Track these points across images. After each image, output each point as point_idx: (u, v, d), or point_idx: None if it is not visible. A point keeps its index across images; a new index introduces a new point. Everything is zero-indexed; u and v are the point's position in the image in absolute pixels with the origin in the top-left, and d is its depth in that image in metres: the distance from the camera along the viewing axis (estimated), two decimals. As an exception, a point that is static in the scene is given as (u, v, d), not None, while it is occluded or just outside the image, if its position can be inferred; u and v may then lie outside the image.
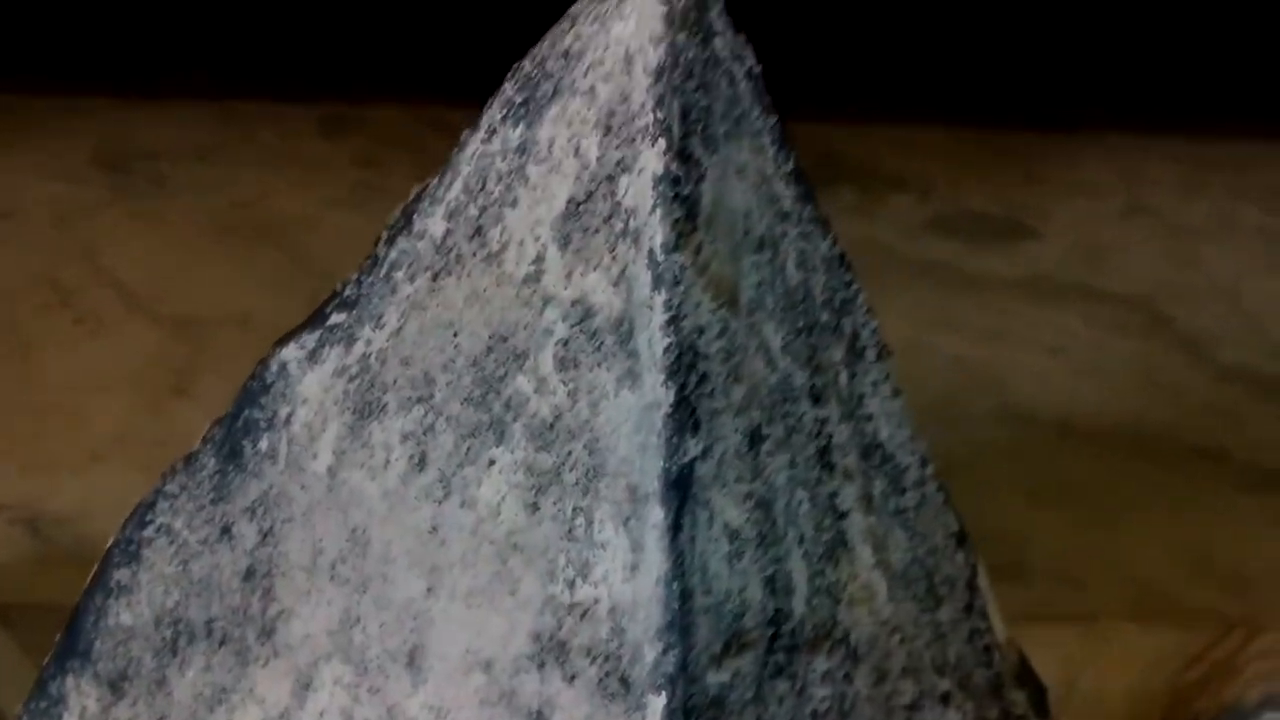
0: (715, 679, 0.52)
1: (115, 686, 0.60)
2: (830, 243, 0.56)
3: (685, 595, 0.51)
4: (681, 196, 0.51)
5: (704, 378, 0.51)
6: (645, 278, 0.51)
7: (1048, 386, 1.02)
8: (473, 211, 0.54)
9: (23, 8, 1.31)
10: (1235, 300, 1.13)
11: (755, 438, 0.53)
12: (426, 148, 1.20)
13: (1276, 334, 1.09)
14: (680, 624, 0.51)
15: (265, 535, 0.57)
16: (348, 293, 0.57)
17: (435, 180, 0.55)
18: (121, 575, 0.60)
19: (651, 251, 0.51)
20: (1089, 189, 1.24)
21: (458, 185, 0.54)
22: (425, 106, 1.25)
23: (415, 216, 0.55)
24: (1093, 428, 0.99)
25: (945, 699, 0.59)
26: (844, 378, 0.56)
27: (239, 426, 0.58)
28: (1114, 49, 1.38)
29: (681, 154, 0.51)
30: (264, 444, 0.57)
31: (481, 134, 0.54)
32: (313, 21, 1.33)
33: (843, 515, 0.56)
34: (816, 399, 0.55)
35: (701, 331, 0.51)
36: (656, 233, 0.51)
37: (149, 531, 0.60)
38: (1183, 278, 1.15)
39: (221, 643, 0.58)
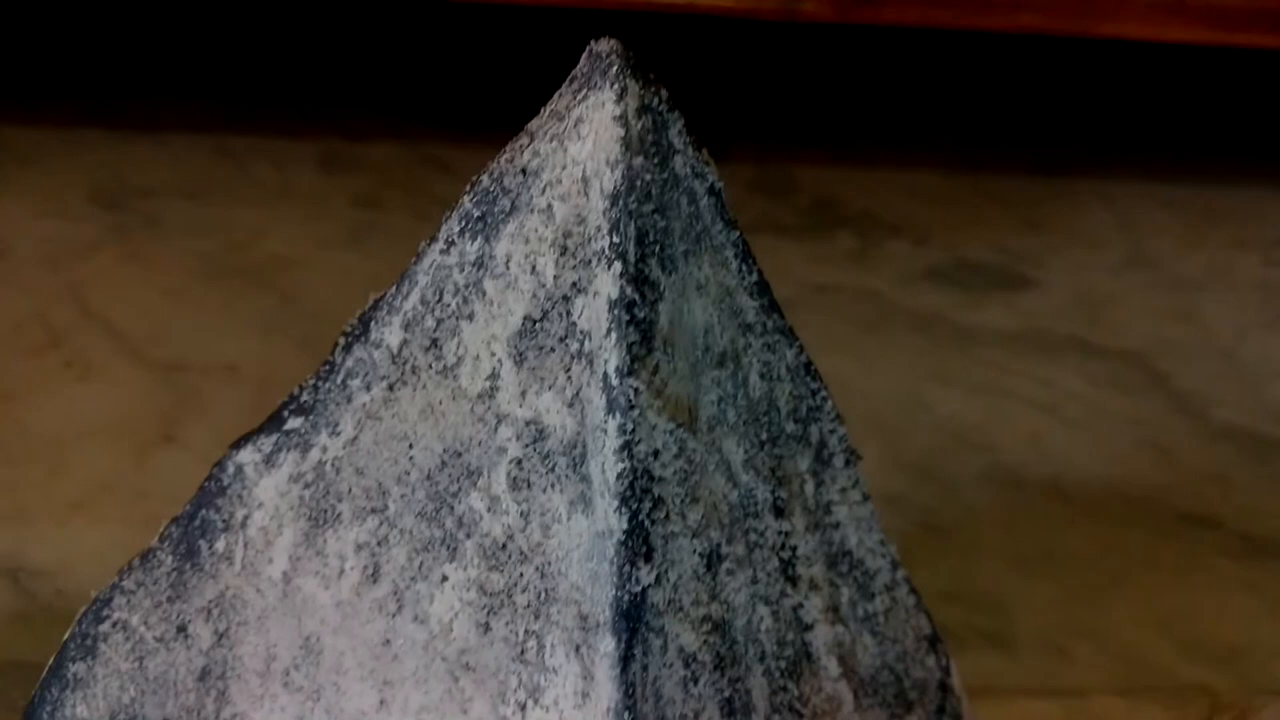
0: (668, 807, 0.51)
1: (71, 781, 0.60)
2: (796, 351, 0.55)
3: (636, 725, 0.50)
4: (637, 320, 0.50)
5: (659, 502, 0.50)
6: (599, 401, 0.50)
7: (1039, 446, 1.01)
8: (429, 323, 0.53)
9: (15, 40, 1.30)
10: (1232, 357, 1.11)
11: (713, 558, 0.52)
12: (426, 187, 1.19)
13: (1271, 393, 1.08)
14: (631, 754, 0.50)
15: (220, 637, 0.57)
16: (304, 398, 0.56)
17: (393, 289, 0.54)
18: (78, 669, 0.60)
19: (606, 375, 0.50)
20: (1088, 237, 1.23)
21: (415, 296, 0.54)
22: (426, 143, 1.24)
23: (372, 325, 0.55)
24: (1083, 491, 0.98)
25: (913, 808, 0.58)
26: (810, 487, 0.56)
27: (196, 526, 0.57)
28: (1114, 96, 1.37)
29: (637, 278, 0.50)
30: (220, 545, 0.57)
31: (440, 245, 0.53)
32: (312, 57, 1.33)
33: (808, 628, 0.55)
34: (780, 512, 0.54)
35: (657, 455, 0.51)
36: (611, 356, 0.50)
37: (105, 626, 0.59)
38: (1180, 333, 1.14)
39: (176, 743, 0.58)
